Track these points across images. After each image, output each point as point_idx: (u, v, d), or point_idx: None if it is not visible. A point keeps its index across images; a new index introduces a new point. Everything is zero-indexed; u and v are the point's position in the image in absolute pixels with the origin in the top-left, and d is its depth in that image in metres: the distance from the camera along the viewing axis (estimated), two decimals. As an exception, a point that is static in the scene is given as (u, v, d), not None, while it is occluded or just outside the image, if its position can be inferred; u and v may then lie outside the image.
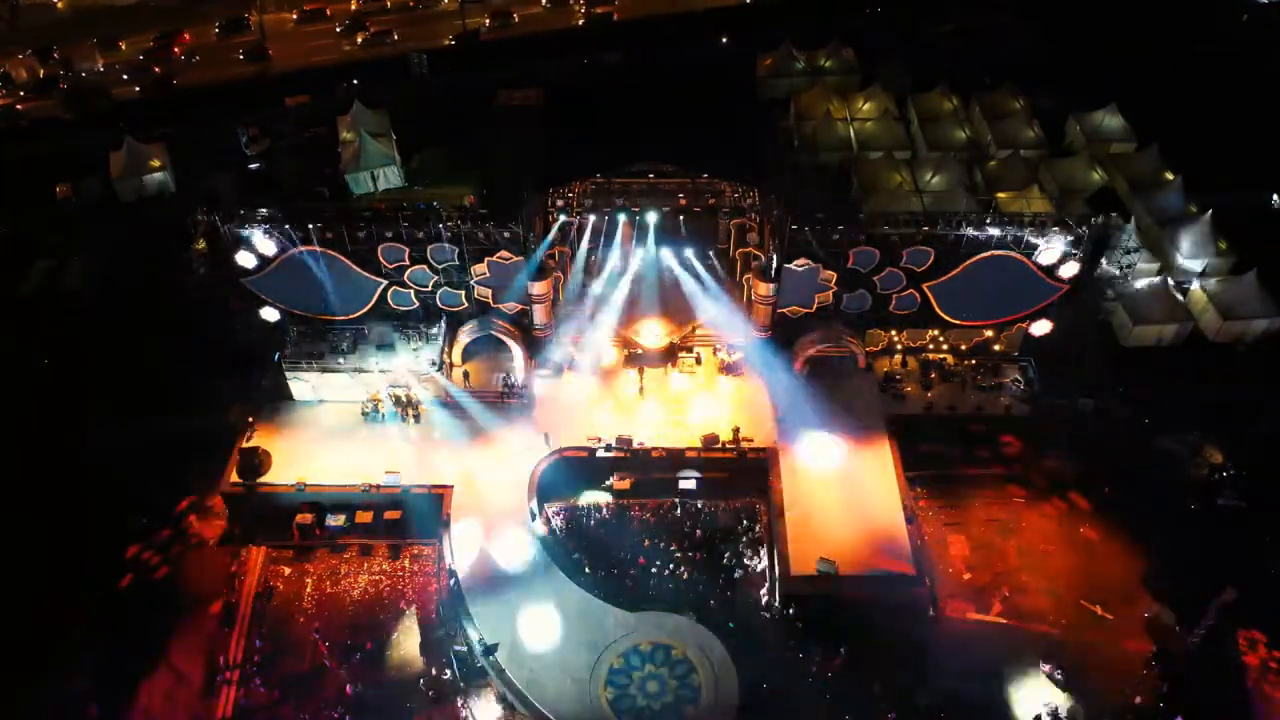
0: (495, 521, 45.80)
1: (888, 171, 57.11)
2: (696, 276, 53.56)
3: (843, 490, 46.22)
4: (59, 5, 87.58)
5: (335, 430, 49.96)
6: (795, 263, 48.84)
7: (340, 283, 49.58)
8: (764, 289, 50.12)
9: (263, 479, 47.23)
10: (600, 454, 48.33)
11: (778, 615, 42.66)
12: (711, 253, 55.00)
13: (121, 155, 65.66)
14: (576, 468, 48.29)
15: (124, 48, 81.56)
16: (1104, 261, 53.29)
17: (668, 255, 54.43)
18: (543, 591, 43.19)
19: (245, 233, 47.25)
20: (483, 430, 49.71)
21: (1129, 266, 54.33)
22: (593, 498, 47.82)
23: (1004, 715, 39.44)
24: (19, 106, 75.90)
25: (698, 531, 46.22)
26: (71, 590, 43.18)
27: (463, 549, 44.66)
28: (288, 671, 41.30)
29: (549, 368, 52.66)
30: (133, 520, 46.04)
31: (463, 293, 50.97)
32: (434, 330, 51.58)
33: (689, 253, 53.94)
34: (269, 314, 50.58)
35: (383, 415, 50.36)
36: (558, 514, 47.12)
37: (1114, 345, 53.61)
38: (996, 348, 52.77)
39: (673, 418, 50.21)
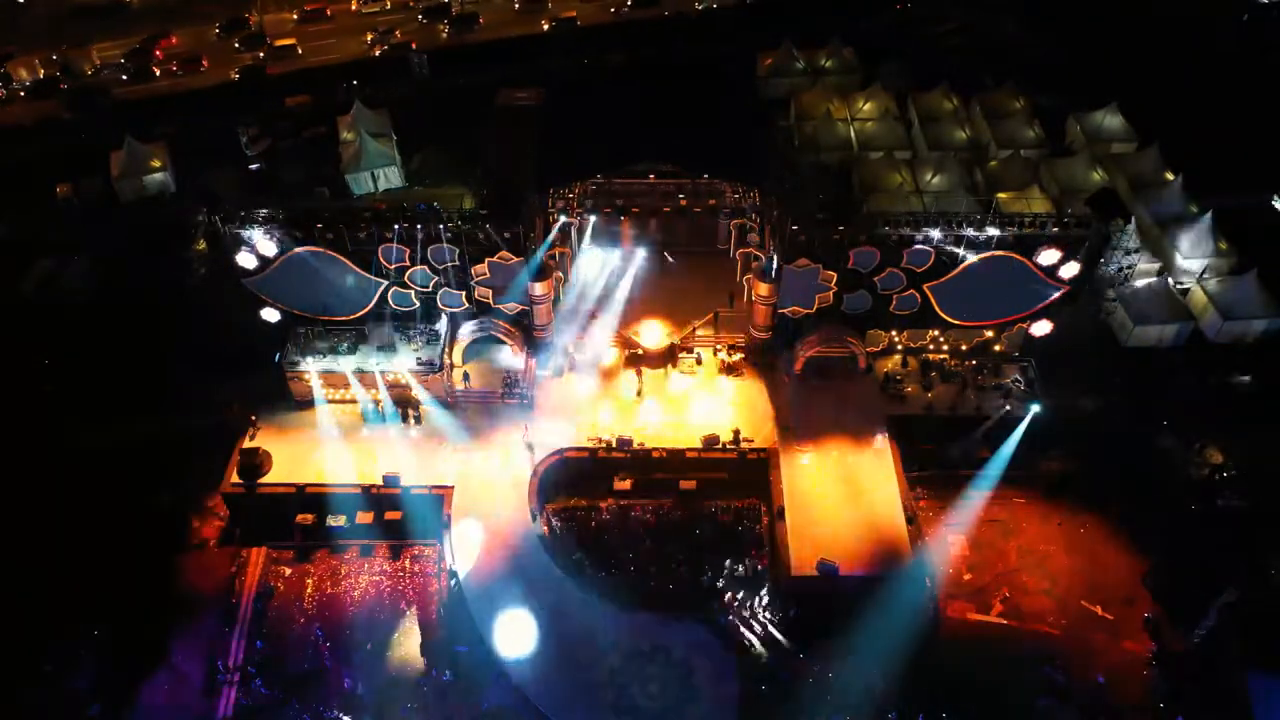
0: (496, 522, 45.87)
1: (888, 171, 57.02)
2: None
3: (843, 490, 46.27)
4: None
5: (335, 430, 50.01)
6: (795, 263, 48.86)
7: (340, 283, 49.59)
8: (764, 289, 50.15)
9: (263, 479, 47.30)
10: (601, 454, 48.32)
11: (778, 616, 42.63)
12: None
13: (121, 155, 65.60)
14: (577, 468, 48.29)
15: (94, 54, 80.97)
16: (1104, 262, 53.28)
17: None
18: (543, 592, 43.22)
19: (246, 232, 47.29)
20: (483, 431, 49.76)
21: (1129, 267, 54.35)
22: (593, 498, 47.74)
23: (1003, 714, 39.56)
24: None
25: (698, 532, 46.21)
26: (72, 590, 43.12)
27: (463, 549, 44.71)
28: (288, 672, 41.31)
29: (549, 368, 52.69)
30: (133, 520, 45.97)
31: (463, 293, 50.96)
32: (434, 331, 51.59)
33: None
34: (269, 314, 50.59)
35: (383, 415, 50.40)
36: (558, 514, 47.08)
37: (1114, 345, 53.60)
38: (997, 348, 52.80)
39: (672, 418, 50.29)
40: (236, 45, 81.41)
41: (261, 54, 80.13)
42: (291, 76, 77.11)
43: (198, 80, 78.28)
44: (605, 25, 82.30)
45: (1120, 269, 54.09)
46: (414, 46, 79.00)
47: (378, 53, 79.18)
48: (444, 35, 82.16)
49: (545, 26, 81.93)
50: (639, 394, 51.38)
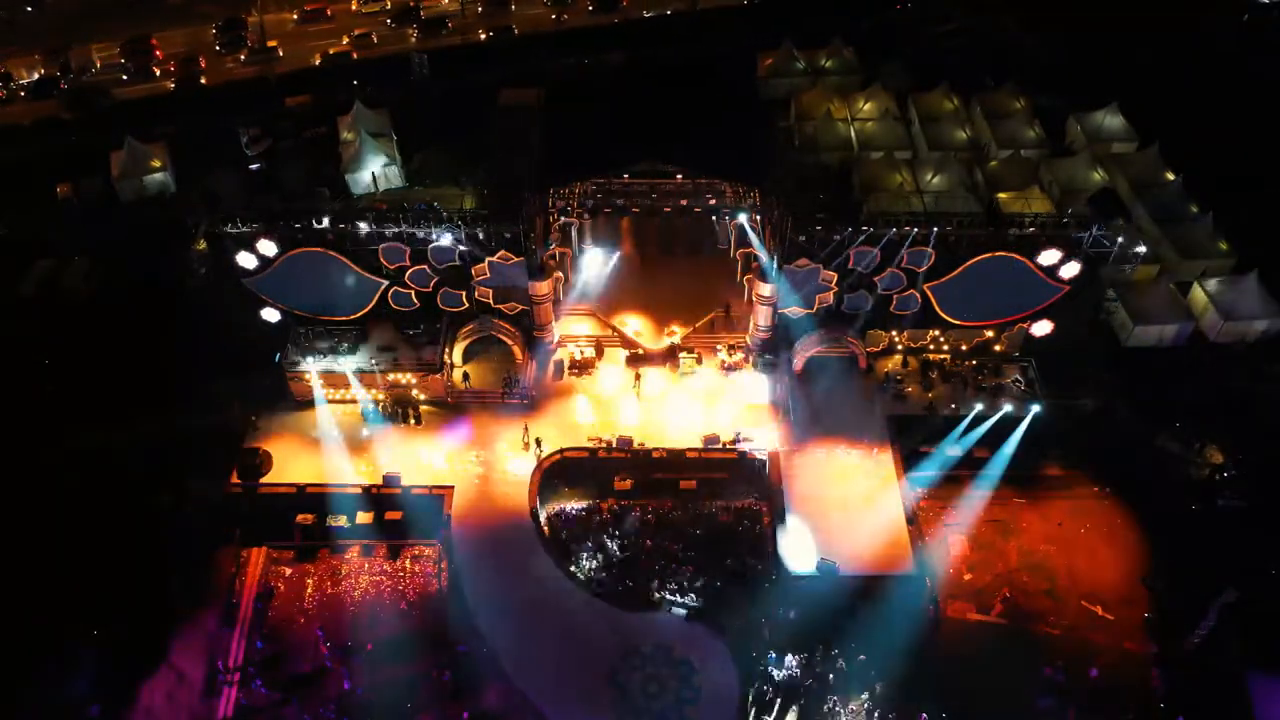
0: (496, 522, 45.90)
1: (888, 172, 57.06)
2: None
3: (843, 490, 46.28)
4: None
5: (335, 431, 50.01)
6: (796, 263, 48.85)
7: (340, 283, 49.57)
8: (764, 289, 50.14)
9: (263, 480, 47.30)
10: (601, 454, 48.31)
11: (778, 616, 42.59)
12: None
13: (122, 155, 65.62)
14: (577, 468, 48.28)
15: (94, 54, 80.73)
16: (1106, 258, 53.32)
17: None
18: (543, 592, 43.23)
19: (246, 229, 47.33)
20: (483, 431, 49.78)
21: (1130, 267, 54.41)
22: (593, 498, 47.74)
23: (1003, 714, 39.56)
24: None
25: (698, 532, 46.19)
26: (72, 590, 43.12)
27: (463, 549, 44.70)
28: (289, 672, 41.30)
29: (549, 368, 52.69)
30: (133, 520, 45.94)
31: (463, 293, 50.94)
32: (434, 331, 51.59)
33: None
34: (269, 314, 50.60)
35: (383, 416, 50.42)
36: (558, 514, 47.08)
37: (1114, 345, 53.62)
38: (997, 348, 52.81)
39: (672, 418, 50.30)
40: (217, 48, 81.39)
41: (242, 56, 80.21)
42: (230, 86, 76.41)
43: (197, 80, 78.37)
44: (545, 34, 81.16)
45: (1121, 269, 54.20)
46: (354, 56, 78.83)
47: (318, 60, 78.84)
48: (413, 39, 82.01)
49: (483, 36, 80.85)
50: (637, 395, 51.31)
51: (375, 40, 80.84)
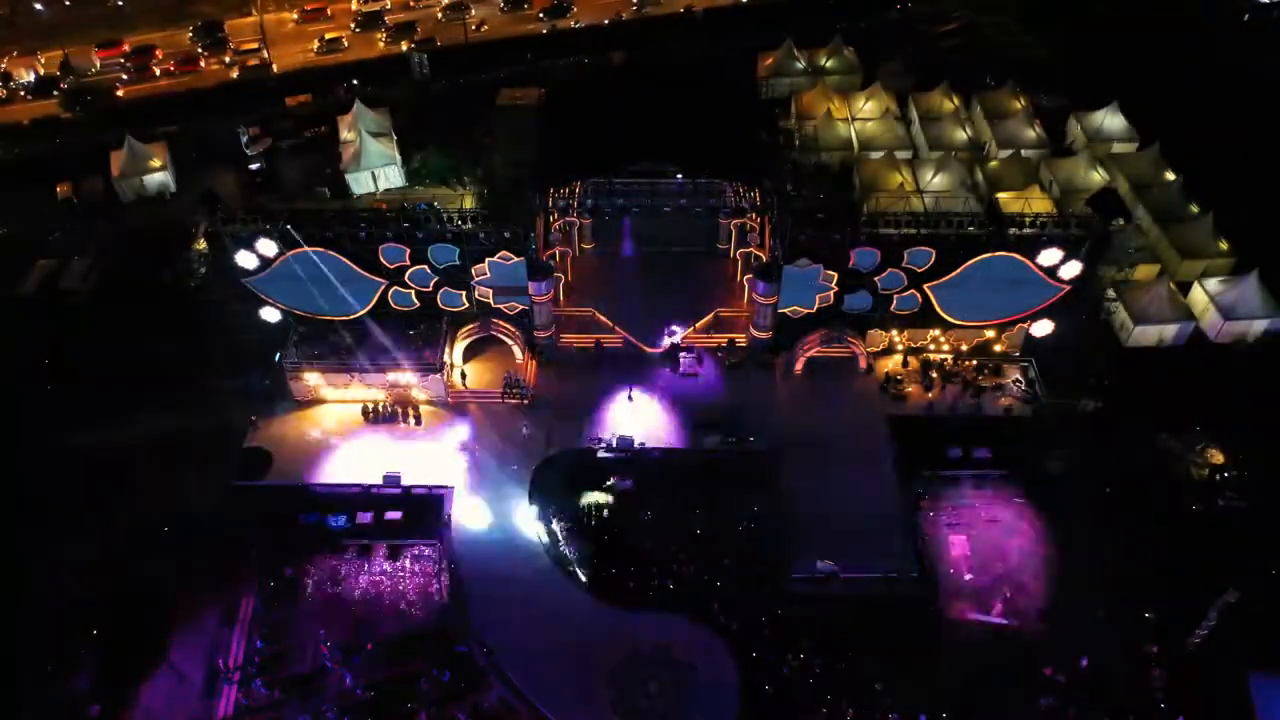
0: (496, 521, 45.95)
1: (889, 171, 57.11)
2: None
3: (843, 490, 46.24)
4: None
5: (336, 430, 50.01)
6: (796, 263, 48.85)
7: (340, 283, 49.58)
8: (764, 289, 50.09)
9: (263, 479, 47.30)
10: (601, 454, 48.32)
11: (779, 616, 42.58)
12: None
13: (122, 155, 65.67)
14: (577, 468, 48.34)
15: (94, 54, 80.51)
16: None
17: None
18: (543, 591, 43.25)
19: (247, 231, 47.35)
20: (483, 431, 49.81)
21: (1130, 267, 54.42)
22: (593, 498, 47.74)
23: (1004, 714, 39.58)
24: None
25: (698, 531, 46.16)
26: (72, 590, 43.10)
27: (463, 549, 44.73)
28: (288, 672, 41.30)
29: (549, 367, 52.70)
30: (133, 520, 45.97)
31: (463, 293, 50.95)
32: (434, 331, 51.60)
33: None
34: (269, 314, 50.60)
35: (383, 416, 50.43)
36: (558, 514, 47.05)
37: (1115, 345, 53.61)
38: (997, 348, 52.80)
39: (672, 418, 50.32)
40: (201, 50, 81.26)
41: (228, 58, 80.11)
42: (156, 100, 75.54)
43: (198, 80, 78.38)
44: (459, 46, 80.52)
45: (1121, 269, 54.20)
46: (275, 70, 78.36)
47: (235, 74, 78.57)
48: (381, 44, 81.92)
49: (405, 48, 79.81)
50: (630, 398, 51.23)
51: (345, 44, 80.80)
